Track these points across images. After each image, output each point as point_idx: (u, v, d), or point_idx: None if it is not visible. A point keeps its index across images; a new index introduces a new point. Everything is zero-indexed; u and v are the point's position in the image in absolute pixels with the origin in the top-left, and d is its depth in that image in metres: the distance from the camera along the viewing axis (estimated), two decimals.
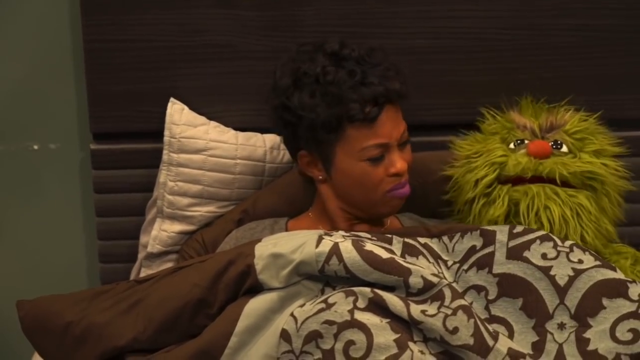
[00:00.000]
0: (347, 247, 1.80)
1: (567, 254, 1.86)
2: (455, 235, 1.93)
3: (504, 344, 1.75)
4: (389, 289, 1.79)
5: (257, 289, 1.83)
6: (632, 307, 1.78)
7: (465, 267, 1.88)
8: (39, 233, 2.55)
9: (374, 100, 2.00)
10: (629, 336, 1.76)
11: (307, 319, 1.76)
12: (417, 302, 1.77)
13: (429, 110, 2.37)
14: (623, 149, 2.16)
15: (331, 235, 1.85)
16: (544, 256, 1.85)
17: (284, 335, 1.76)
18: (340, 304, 1.76)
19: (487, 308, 1.83)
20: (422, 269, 1.80)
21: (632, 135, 2.38)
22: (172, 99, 2.31)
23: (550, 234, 1.90)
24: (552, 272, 1.83)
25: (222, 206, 2.30)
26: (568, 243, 1.88)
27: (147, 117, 2.34)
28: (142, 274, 2.30)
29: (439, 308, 1.75)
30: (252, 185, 2.31)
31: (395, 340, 1.73)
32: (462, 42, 2.34)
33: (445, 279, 1.83)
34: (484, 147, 2.14)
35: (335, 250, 1.80)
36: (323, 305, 1.76)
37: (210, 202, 2.29)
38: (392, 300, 1.76)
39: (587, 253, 1.87)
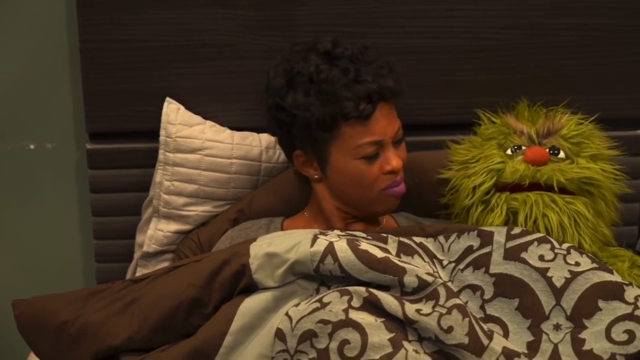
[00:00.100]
0: (342, 247, 1.80)
1: (565, 256, 1.86)
2: (451, 235, 1.93)
3: (498, 343, 1.75)
4: (384, 288, 1.79)
5: (252, 288, 1.83)
6: (627, 309, 1.78)
7: (461, 266, 1.88)
8: (35, 232, 2.55)
9: (367, 98, 2.00)
10: (624, 337, 1.75)
11: (301, 318, 1.75)
12: (412, 302, 1.76)
13: (427, 110, 2.37)
14: (620, 151, 2.16)
15: (326, 235, 1.85)
16: (541, 258, 1.85)
17: (279, 334, 1.76)
18: (335, 303, 1.76)
19: (482, 307, 1.83)
20: (417, 268, 1.80)
21: (631, 135, 2.40)
22: (168, 99, 2.31)
23: (548, 237, 1.90)
24: (549, 274, 1.83)
25: (218, 206, 2.30)
26: (565, 245, 1.88)
27: (143, 116, 2.34)
28: (138, 274, 2.30)
29: (433, 307, 1.75)
30: (248, 184, 2.30)
31: (389, 340, 1.73)
32: (460, 41, 2.34)
33: (440, 278, 1.83)
34: (481, 152, 2.14)
35: (330, 249, 1.80)
36: (318, 304, 1.76)
37: (206, 202, 2.29)
38: (387, 299, 1.75)
39: (584, 255, 1.87)
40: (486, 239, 1.89)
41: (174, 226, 2.30)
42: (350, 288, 1.78)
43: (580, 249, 1.89)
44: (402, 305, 1.75)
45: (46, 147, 2.49)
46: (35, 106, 2.47)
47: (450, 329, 1.73)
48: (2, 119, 2.48)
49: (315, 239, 1.83)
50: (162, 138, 2.28)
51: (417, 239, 1.93)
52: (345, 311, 1.75)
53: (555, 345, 1.78)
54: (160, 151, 2.28)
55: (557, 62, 2.36)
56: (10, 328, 1.99)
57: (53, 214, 2.54)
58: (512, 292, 1.83)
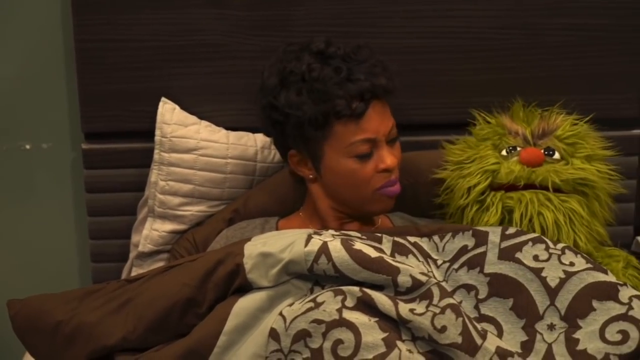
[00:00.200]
0: (335, 246, 1.80)
1: (559, 256, 1.85)
2: (446, 235, 1.92)
3: (492, 342, 1.74)
4: (378, 287, 1.78)
5: (246, 288, 1.83)
6: (622, 310, 1.78)
7: (455, 266, 1.87)
8: (30, 232, 2.56)
9: (360, 96, 2.00)
10: (618, 337, 1.75)
11: (295, 318, 1.75)
12: (406, 301, 1.76)
13: (423, 110, 2.37)
14: (615, 151, 2.16)
15: (320, 235, 1.85)
16: (535, 258, 1.85)
17: (273, 334, 1.76)
18: (329, 303, 1.76)
19: (476, 307, 1.82)
20: (410, 267, 1.80)
21: (626, 135, 2.39)
22: (163, 99, 2.31)
23: (543, 237, 1.90)
24: (543, 274, 1.83)
25: (213, 205, 2.30)
26: (560, 245, 1.88)
27: (138, 116, 2.34)
28: (134, 273, 2.30)
29: (427, 307, 1.75)
30: (243, 184, 2.30)
31: (383, 339, 1.72)
32: (456, 41, 2.34)
33: (435, 277, 1.83)
34: (476, 153, 2.14)
35: (324, 249, 1.80)
36: (312, 304, 1.76)
37: (201, 202, 2.29)
38: (381, 299, 1.75)
39: (578, 256, 1.87)
40: (481, 238, 1.89)
41: (169, 226, 2.30)
42: (344, 288, 1.77)
43: (574, 249, 1.89)
44: (396, 305, 1.75)
45: (42, 147, 2.50)
46: (31, 106, 2.47)
47: (443, 329, 1.73)
48: None
49: (309, 238, 1.83)
50: (157, 138, 2.28)
51: (412, 239, 1.92)
52: (339, 311, 1.75)
53: (549, 345, 1.78)
54: (156, 151, 2.28)
55: (553, 62, 2.36)
56: (5, 328, 1.99)
57: (49, 213, 2.54)
58: (507, 292, 1.83)
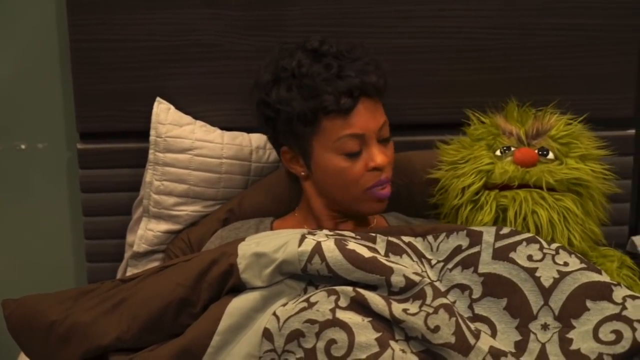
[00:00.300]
0: (329, 246, 1.80)
1: (553, 256, 1.85)
2: (440, 235, 1.92)
3: (485, 342, 1.74)
4: (371, 287, 1.78)
5: (240, 288, 1.83)
6: (615, 310, 1.78)
7: (449, 266, 1.87)
8: (26, 232, 2.56)
9: (349, 93, 2.00)
10: (611, 337, 1.75)
11: (289, 318, 1.75)
12: (399, 301, 1.76)
13: (416, 110, 2.37)
14: (609, 151, 2.16)
15: (314, 235, 1.85)
16: (529, 258, 1.85)
17: (266, 334, 1.75)
18: (322, 303, 1.76)
19: (470, 307, 1.82)
20: (404, 267, 1.79)
21: (621, 135, 2.40)
22: (158, 99, 2.31)
23: (537, 237, 1.90)
24: (537, 274, 1.82)
25: (208, 205, 2.30)
26: (554, 245, 1.88)
27: (133, 116, 2.34)
28: (129, 273, 2.30)
29: (420, 307, 1.75)
30: (238, 184, 2.31)
31: (376, 339, 1.72)
32: (449, 41, 2.34)
33: (428, 277, 1.83)
34: (470, 153, 2.14)
35: (317, 249, 1.80)
36: (305, 304, 1.76)
37: (196, 202, 2.29)
38: (374, 299, 1.75)
39: (572, 256, 1.87)
40: (475, 238, 1.89)
41: (164, 226, 2.30)
42: (337, 288, 1.77)
43: (569, 249, 1.89)
44: (389, 304, 1.75)
45: (37, 147, 2.50)
46: (26, 106, 2.47)
47: (436, 329, 1.73)
48: None
49: (303, 238, 1.83)
50: (152, 138, 2.28)
51: (406, 239, 1.92)
52: (332, 311, 1.74)
53: (543, 345, 1.77)
54: (151, 151, 2.28)
55: (546, 62, 2.36)
56: (1, 327, 1.99)
57: (44, 213, 2.54)
58: (501, 292, 1.83)
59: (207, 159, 2.27)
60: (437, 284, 1.84)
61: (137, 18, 2.30)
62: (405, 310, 1.74)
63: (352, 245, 1.82)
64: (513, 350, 1.77)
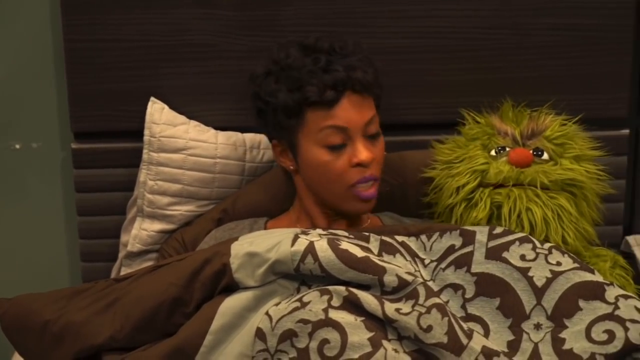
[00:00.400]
0: (322, 246, 1.80)
1: (546, 256, 1.86)
2: (433, 234, 1.93)
3: (478, 342, 1.74)
4: (364, 287, 1.78)
5: (233, 287, 1.83)
6: (608, 309, 1.78)
7: (443, 265, 1.88)
8: (20, 232, 2.55)
9: (334, 86, 2.01)
10: (604, 337, 1.75)
11: (281, 317, 1.75)
12: (392, 301, 1.76)
13: (411, 110, 2.37)
14: (604, 152, 2.17)
15: (307, 234, 1.85)
16: (522, 257, 1.85)
17: (259, 334, 1.75)
18: (315, 302, 1.76)
19: (463, 306, 1.83)
20: (397, 267, 1.80)
21: (615, 135, 2.40)
22: (152, 99, 2.31)
23: (530, 236, 1.90)
24: (530, 273, 1.83)
25: (202, 205, 2.30)
26: (547, 245, 1.88)
27: (127, 116, 2.34)
28: (123, 273, 2.30)
29: (413, 306, 1.75)
30: (232, 184, 2.30)
31: (369, 339, 1.72)
32: (444, 41, 2.34)
33: (422, 277, 1.83)
34: (465, 153, 2.14)
35: (310, 249, 1.80)
36: (298, 304, 1.76)
37: (190, 201, 2.29)
38: (367, 298, 1.75)
39: (565, 255, 1.87)
40: (468, 238, 1.89)
41: (158, 226, 2.30)
42: (330, 287, 1.77)
43: (562, 249, 1.89)
44: (382, 304, 1.75)
45: (32, 147, 2.49)
46: (21, 106, 2.47)
47: (429, 328, 1.73)
48: None
49: (296, 238, 1.83)
50: (146, 138, 2.28)
51: (399, 238, 1.92)
52: (325, 311, 1.75)
53: (536, 345, 1.78)
54: (145, 151, 2.28)
55: (541, 62, 2.36)
56: None
57: (39, 213, 2.54)
58: (493, 292, 1.83)
59: (201, 158, 2.27)
60: (430, 283, 1.84)
61: (132, 18, 2.30)
62: (397, 310, 1.74)
63: (345, 244, 1.82)
64: (506, 350, 1.78)
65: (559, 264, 1.84)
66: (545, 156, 2.11)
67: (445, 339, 1.72)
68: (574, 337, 1.77)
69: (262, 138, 2.31)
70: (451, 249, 1.89)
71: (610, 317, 1.77)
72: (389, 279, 1.77)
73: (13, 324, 1.93)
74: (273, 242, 1.83)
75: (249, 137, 2.32)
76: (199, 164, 2.27)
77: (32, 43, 2.42)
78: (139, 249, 2.31)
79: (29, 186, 2.52)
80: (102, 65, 2.32)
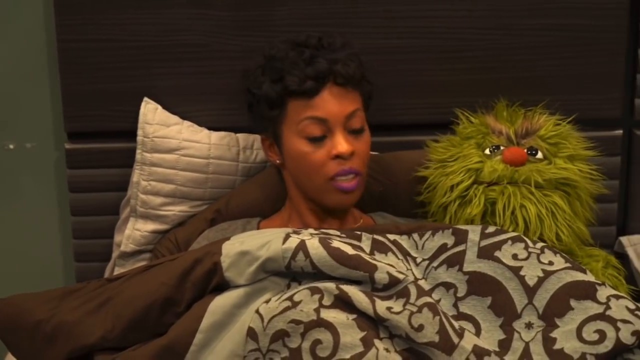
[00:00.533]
0: (313, 244, 1.80)
1: (538, 255, 1.86)
2: (425, 233, 1.93)
3: (469, 341, 1.74)
4: (355, 283, 1.78)
5: (224, 287, 1.83)
6: (599, 309, 1.78)
7: (435, 264, 1.88)
8: (14, 232, 2.55)
9: (315, 77, 2.02)
10: (595, 337, 1.75)
11: (273, 317, 1.75)
12: (383, 299, 1.76)
13: (404, 110, 2.37)
14: (597, 152, 2.17)
15: (299, 233, 1.85)
16: (514, 256, 1.85)
17: (251, 333, 1.75)
18: (306, 302, 1.75)
19: (455, 305, 1.83)
20: (388, 265, 1.79)
21: (609, 135, 2.39)
22: (145, 99, 2.31)
23: (522, 236, 1.90)
24: (522, 273, 1.83)
25: (195, 205, 2.30)
26: (539, 245, 1.88)
27: (121, 116, 2.34)
28: (116, 273, 2.29)
29: (404, 305, 1.75)
30: (225, 184, 2.30)
31: (361, 339, 1.72)
32: (438, 42, 2.34)
33: (414, 275, 1.83)
34: (459, 152, 2.14)
35: (301, 246, 1.80)
36: (289, 303, 1.76)
37: (183, 202, 2.29)
38: (358, 296, 1.75)
39: (557, 255, 1.87)
40: (460, 237, 1.89)
41: (151, 226, 2.30)
42: (320, 285, 1.77)
43: (554, 249, 1.89)
44: (373, 302, 1.75)
45: (25, 147, 2.49)
46: (15, 106, 2.47)
47: (420, 328, 1.73)
48: None
49: (287, 237, 1.83)
50: (139, 138, 2.28)
51: (391, 237, 1.92)
52: (317, 311, 1.74)
53: (527, 344, 1.78)
54: (138, 151, 2.28)
55: (536, 62, 2.36)
56: None
57: (32, 213, 2.54)
58: (485, 291, 1.83)
59: (194, 159, 2.27)
60: (422, 282, 1.84)
61: (125, 18, 2.30)
62: (389, 309, 1.74)
63: (336, 243, 1.82)
64: (497, 349, 1.78)
65: (551, 263, 1.84)
66: (540, 155, 2.11)
67: (436, 338, 1.72)
68: (565, 337, 1.76)
69: (255, 138, 2.31)
70: (443, 248, 1.89)
71: (601, 317, 1.77)
72: (380, 276, 1.77)
73: (5, 324, 1.93)
74: (264, 240, 1.83)
75: (242, 137, 2.32)
76: (192, 165, 2.27)
77: (25, 43, 2.42)
78: (132, 249, 2.31)
79: (23, 186, 2.52)
80: (96, 65, 2.32)
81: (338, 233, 1.90)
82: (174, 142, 2.28)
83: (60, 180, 2.48)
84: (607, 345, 1.74)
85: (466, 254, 1.87)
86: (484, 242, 1.88)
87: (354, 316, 1.75)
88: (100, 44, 2.31)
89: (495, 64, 2.35)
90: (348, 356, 1.71)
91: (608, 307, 1.78)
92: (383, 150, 2.31)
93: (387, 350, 1.73)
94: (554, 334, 1.77)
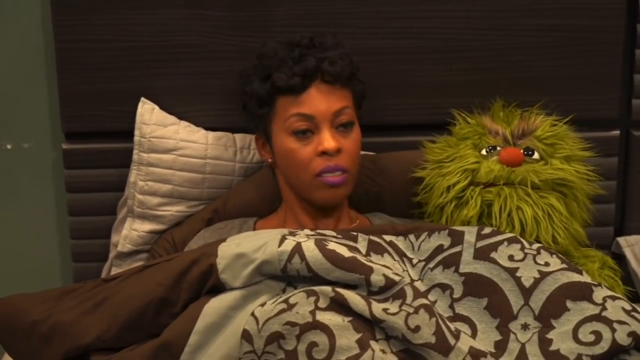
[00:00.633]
0: (309, 246, 1.80)
1: (534, 256, 1.85)
2: (422, 234, 1.92)
3: (465, 342, 1.74)
4: (351, 287, 1.78)
5: (220, 288, 1.83)
6: (595, 310, 1.78)
7: (431, 265, 1.87)
8: (11, 232, 2.55)
9: (302, 75, 2.04)
10: (591, 338, 1.75)
11: (268, 319, 1.75)
12: (379, 301, 1.76)
13: (400, 111, 2.37)
14: (594, 152, 2.17)
15: (295, 235, 1.85)
16: (510, 258, 1.85)
17: (245, 335, 1.75)
18: (302, 304, 1.75)
19: (451, 306, 1.83)
20: (384, 267, 1.79)
21: (606, 136, 2.40)
22: (142, 99, 2.31)
23: (518, 237, 1.90)
24: (518, 274, 1.83)
25: (192, 206, 2.30)
26: (535, 246, 1.88)
27: (118, 116, 2.34)
28: (113, 273, 2.29)
29: (400, 306, 1.74)
30: (222, 184, 2.30)
31: (357, 341, 1.72)
32: (435, 42, 2.34)
33: (410, 276, 1.83)
34: (456, 152, 2.14)
35: (297, 249, 1.79)
36: (284, 305, 1.76)
37: (180, 202, 2.29)
38: (354, 299, 1.75)
39: (554, 256, 1.87)
40: (456, 238, 1.89)
41: (148, 226, 2.30)
42: (316, 288, 1.77)
43: (550, 250, 1.89)
44: (369, 304, 1.74)
45: (23, 147, 2.50)
46: (12, 106, 2.47)
47: (417, 329, 1.72)
48: None
49: (283, 239, 1.82)
50: (136, 138, 2.28)
51: (388, 238, 1.92)
52: (312, 313, 1.74)
53: (523, 345, 1.77)
54: (135, 151, 2.28)
55: (533, 63, 2.36)
56: None
57: (30, 213, 2.54)
58: (481, 292, 1.83)
59: (191, 159, 2.28)
60: (418, 283, 1.84)
61: (122, 19, 2.30)
62: (385, 310, 1.74)
63: (332, 245, 1.81)
64: (493, 350, 1.77)
65: (547, 264, 1.84)
66: (536, 156, 2.12)
67: (433, 340, 1.72)
68: (561, 338, 1.76)
69: (252, 138, 2.31)
70: (439, 249, 1.89)
71: (597, 318, 1.77)
72: (376, 279, 1.77)
73: (2, 324, 1.94)
74: (260, 242, 1.83)
75: (239, 137, 2.32)
76: (189, 165, 2.27)
77: (22, 43, 2.42)
78: (129, 249, 2.31)
79: (20, 186, 2.52)
80: (93, 65, 2.32)
81: (334, 234, 1.90)
82: (171, 143, 2.28)
83: (58, 181, 2.48)
84: (603, 346, 1.74)
85: (462, 255, 1.87)
86: (480, 243, 1.88)
87: (350, 318, 1.74)
88: (98, 44, 2.31)
89: (493, 64, 2.35)
90: (344, 358, 1.71)
91: (604, 308, 1.77)
92: (380, 151, 2.31)
93: (383, 351, 1.72)
94: (550, 335, 1.77)
